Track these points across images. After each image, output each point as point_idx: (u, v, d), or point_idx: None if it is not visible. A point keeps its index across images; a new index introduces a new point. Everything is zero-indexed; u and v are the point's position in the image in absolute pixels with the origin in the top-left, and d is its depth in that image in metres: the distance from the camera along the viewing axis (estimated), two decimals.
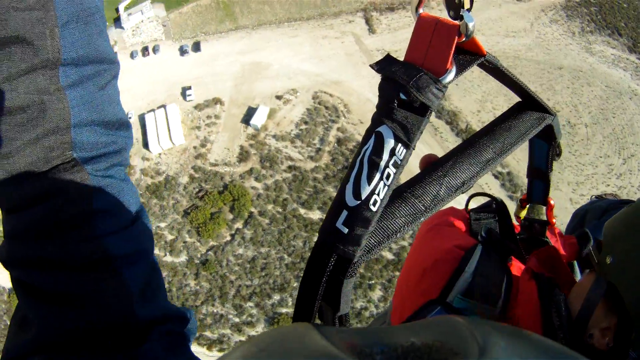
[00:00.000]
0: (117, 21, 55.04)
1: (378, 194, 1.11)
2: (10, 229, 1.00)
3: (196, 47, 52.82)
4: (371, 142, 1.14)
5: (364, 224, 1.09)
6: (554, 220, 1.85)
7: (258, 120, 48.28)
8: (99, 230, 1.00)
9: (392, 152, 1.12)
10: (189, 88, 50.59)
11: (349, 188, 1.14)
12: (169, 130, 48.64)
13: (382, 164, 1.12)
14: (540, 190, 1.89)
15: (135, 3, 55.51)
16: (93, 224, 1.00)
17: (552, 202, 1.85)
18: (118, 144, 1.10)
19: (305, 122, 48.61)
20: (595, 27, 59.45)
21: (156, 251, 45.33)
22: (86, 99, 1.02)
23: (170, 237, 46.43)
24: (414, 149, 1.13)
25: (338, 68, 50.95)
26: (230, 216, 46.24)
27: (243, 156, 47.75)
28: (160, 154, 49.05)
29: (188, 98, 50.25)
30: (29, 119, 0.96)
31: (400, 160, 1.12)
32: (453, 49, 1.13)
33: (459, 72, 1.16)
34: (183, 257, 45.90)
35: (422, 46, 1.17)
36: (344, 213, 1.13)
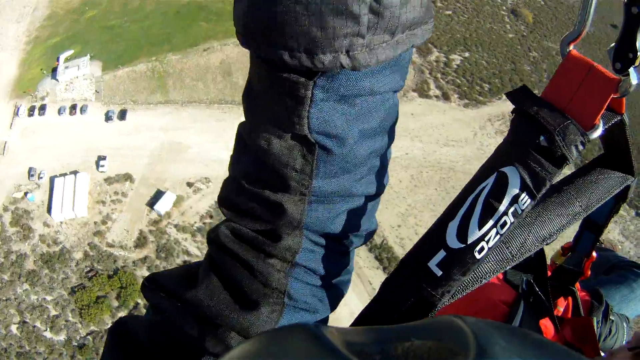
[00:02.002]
0: (54, 71, 54.34)
1: (487, 242, 1.03)
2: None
3: (122, 114, 51.86)
4: (491, 181, 1.05)
5: (462, 271, 1.01)
6: (588, 273, 1.82)
7: (163, 206, 47.31)
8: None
9: (515, 200, 1.03)
10: (104, 158, 49.73)
11: (453, 227, 1.04)
12: (74, 200, 47.88)
13: (501, 209, 1.03)
14: (588, 242, 1.82)
15: (76, 55, 54.72)
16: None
17: (594, 254, 1.80)
18: None
19: (211, 216, 47.48)
20: None
21: (37, 324, 44.99)
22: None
23: (53, 313, 45.87)
24: (537, 201, 1.05)
25: None
26: (116, 303, 45.49)
27: (140, 242, 46.85)
28: (61, 222, 48.38)
29: (101, 169, 49.42)
30: None
31: (522, 210, 1.03)
32: (607, 104, 1.05)
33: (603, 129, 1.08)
34: (62, 336, 45.31)
35: (568, 89, 1.07)
36: (441, 253, 1.03)
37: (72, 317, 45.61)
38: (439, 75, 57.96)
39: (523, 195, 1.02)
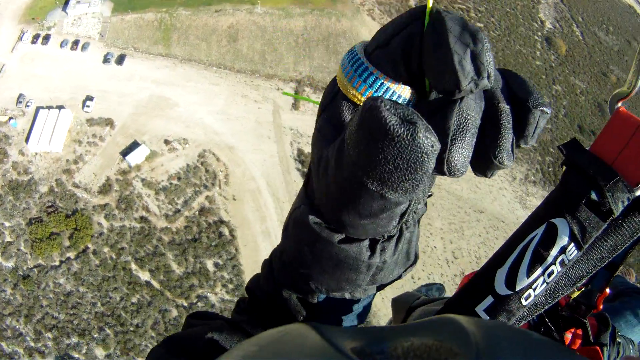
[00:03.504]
0: (66, 4, 54.10)
1: (534, 289, 1.09)
2: None
3: (120, 59, 51.27)
4: (540, 231, 1.11)
5: (508, 317, 1.08)
6: (601, 307, 1.79)
7: (135, 158, 46.63)
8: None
9: (563, 250, 1.09)
10: (92, 99, 49.29)
11: (502, 274, 1.11)
12: (53, 134, 47.64)
13: (550, 259, 1.09)
14: (604, 279, 1.73)
15: None
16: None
17: (608, 290, 1.75)
18: None
19: (179, 178, 46.60)
20: (541, 179, 54.40)
21: None
22: None
23: (8, 239, 45.91)
24: (583, 252, 1.12)
25: (240, 133, 48.38)
26: (67, 243, 45.19)
27: (105, 188, 46.34)
28: (36, 153, 48.26)
29: (86, 109, 49.01)
30: None
31: (569, 260, 1.10)
32: None
33: None
34: (10, 263, 45.34)
35: (616, 144, 1.12)
36: (489, 299, 1.11)
37: (24, 247, 45.54)
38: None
39: (571, 246, 1.07)
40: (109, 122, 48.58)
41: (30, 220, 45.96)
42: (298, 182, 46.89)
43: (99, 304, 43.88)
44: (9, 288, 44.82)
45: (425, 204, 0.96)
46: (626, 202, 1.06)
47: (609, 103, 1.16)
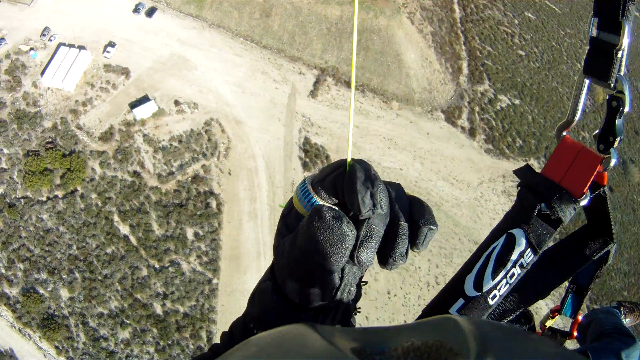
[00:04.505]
0: None
1: (499, 290, 1.29)
2: None
3: (151, 12, 50.81)
4: (501, 240, 1.32)
5: (478, 316, 1.25)
6: (575, 334, 2.03)
7: (142, 112, 46.18)
8: None
9: (521, 255, 1.30)
10: (113, 45, 49.01)
11: (471, 279, 1.31)
12: (68, 72, 47.48)
13: (510, 263, 1.29)
14: (574, 305, 2.00)
15: None
16: None
17: (580, 317, 1.95)
18: None
19: (180, 141, 45.97)
20: None
21: None
22: None
23: (3, 166, 46.01)
24: (539, 256, 1.32)
25: (251, 109, 47.49)
26: (58, 182, 45.02)
27: (106, 136, 46.00)
28: (48, 88, 48.17)
29: (106, 54, 48.74)
30: None
31: (527, 263, 1.31)
32: (593, 177, 1.33)
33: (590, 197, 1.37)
34: (0, 189, 45.43)
35: (562, 166, 1.36)
36: (460, 301, 1.31)
37: (16, 177, 45.56)
38: (477, 108, 53.42)
39: (528, 251, 1.29)
40: (125, 72, 48.17)
41: (28, 152, 45.92)
42: (297, 171, 45.86)
43: (74, 247, 43.64)
44: None
45: (360, 290, 1.24)
46: (573, 212, 1.27)
47: (555, 133, 1.42)
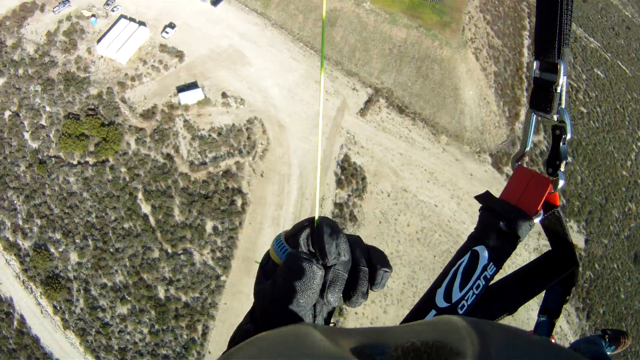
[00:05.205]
0: None
1: (467, 300, 1.43)
2: None
3: (217, 0, 50.50)
4: (467, 257, 1.49)
5: None
6: None
7: (188, 98, 45.61)
8: None
9: (485, 269, 1.46)
10: (173, 27, 48.84)
11: (440, 292, 1.45)
12: (124, 45, 47.41)
13: (475, 276, 1.44)
14: (545, 328, 2.13)
15: None
16: None
17: (553, 340, 1.97)
18: None
19: (219, 134, 45.10)
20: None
21: (25, 123, 45.46)
22: None
23: (42, 122, 46.11)
24: (501, 269, 1.49)
25: (297, 116, 46.37)
26: (91, 149, 44.70)
27: (148, 114, 45.52)
28: (101, 56, 48.17)
29: (164, 34, 48.59)
30: None
31: (490, 276, 1.48)
32: (545, 197, 1.51)
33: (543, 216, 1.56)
34: (35, 144, 45.50)
35: (518, 190, 1.56)
36: (432, 312, 1.45)
37: (53, 136, 45.49)
38: (526, 158, 50.66)
39: (490, 265, 1.45)
40: (180, 55, 47.80)
41: (69, 114, 45.82)
42: (330, 186, 44.38)
43: (93, 215, 43.05)
44: (24, 165, 44.95)
45: (335, 324, 1.42)
46: (528, 228, 1.45)
47: (511, 162, 1.63)
